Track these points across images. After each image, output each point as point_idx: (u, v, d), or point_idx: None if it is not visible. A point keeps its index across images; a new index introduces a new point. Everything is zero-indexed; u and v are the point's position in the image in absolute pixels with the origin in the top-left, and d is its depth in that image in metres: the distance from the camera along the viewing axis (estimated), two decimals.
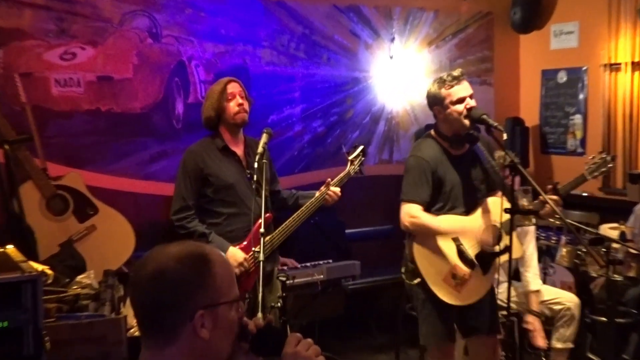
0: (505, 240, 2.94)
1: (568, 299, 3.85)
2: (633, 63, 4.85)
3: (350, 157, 3.40)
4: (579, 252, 3.88)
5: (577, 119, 5.35)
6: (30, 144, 3.58)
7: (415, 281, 3.02)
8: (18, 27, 3.90)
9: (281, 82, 4.85)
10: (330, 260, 3.95)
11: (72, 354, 2.44)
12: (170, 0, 4.35)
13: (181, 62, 4.42)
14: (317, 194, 3.26)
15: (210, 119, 3.20)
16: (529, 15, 5.53)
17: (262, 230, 2.79)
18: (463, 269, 2.97)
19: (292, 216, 3.19)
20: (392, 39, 5.30)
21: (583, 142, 5.32)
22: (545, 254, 4.24)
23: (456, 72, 2.97)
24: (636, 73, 4.85)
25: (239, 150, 3.25)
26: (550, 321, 3.85)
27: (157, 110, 4.35)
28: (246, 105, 3.21)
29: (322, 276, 3.81)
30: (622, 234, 3.80)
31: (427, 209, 2.99)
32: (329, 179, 3.28)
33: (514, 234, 2.89)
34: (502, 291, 3.29)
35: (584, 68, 5.27)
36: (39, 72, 3.97)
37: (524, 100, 5.85)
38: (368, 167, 4.97)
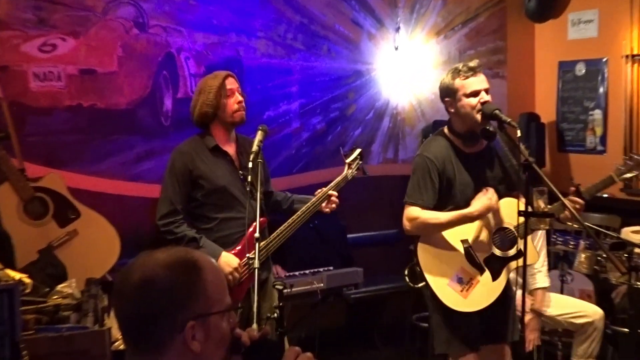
0: (519, 244, 2.94)
1: (592, 313, 3.77)
2: None
3: (348, 160, 3.42)
4: (599, 258, 3.88)
5: (597, 114, 5.35)
6: (7, 142, 3.57)
7: (420, 285, 3.01)
8: None
9: (277, 75, 4.85)
10: (331, 268, 3.96)
11: None
12: None
13: (170, 54, 4.42)
14: (314, 198, 3.26)
15: (205, 115, 3.17)
16: (545, 3, 5.52)
17: (257, 235, 2.79)
18: (470, 273, 2.97)
19: (288, 221, 3.19)
20: (397, 29, 5.30)
21: (603, 139, 5.32)
22: (563, 260, 4.23)
23: (472, 63, 2.97)
24: None
25: (230, 149, 3.24)
26: (570, 333, 3.83)
27: (143, 106, 4.34)
28: (244, 103, 3.22)
29: (322, 284, 3.82)
30: None
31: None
32: (319, 190, 3.28)
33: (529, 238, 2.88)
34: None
35: (604, 59, 5.28)
36: (16, 65, 3.96)
37: (539, 94, 5.86)
38: (371, 167, 5.02)
